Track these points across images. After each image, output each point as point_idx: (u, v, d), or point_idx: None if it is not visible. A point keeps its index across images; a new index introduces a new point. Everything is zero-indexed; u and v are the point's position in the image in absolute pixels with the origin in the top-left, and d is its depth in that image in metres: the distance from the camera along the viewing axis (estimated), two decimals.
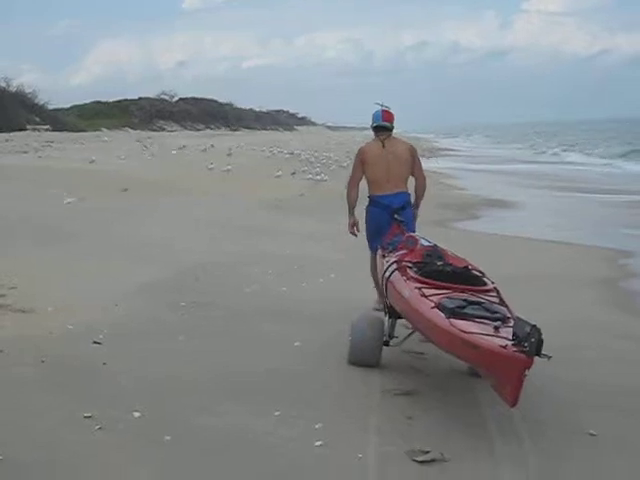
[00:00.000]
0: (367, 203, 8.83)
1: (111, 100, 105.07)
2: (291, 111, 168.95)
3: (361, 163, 8.68)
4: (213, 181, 26.77)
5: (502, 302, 6.24)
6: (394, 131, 8.96)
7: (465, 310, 5.80)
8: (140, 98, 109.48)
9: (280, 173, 30.08)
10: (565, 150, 64.60)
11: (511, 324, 5.47)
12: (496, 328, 5.47)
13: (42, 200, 19.12)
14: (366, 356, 7.00)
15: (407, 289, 6.49)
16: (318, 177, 29.85)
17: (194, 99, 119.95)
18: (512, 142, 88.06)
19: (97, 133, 72.68)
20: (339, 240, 14.15)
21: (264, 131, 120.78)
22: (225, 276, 11.61)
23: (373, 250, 8.68)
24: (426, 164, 41.91)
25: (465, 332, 5.43)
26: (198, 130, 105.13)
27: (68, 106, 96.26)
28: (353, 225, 8.96)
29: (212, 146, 46.54)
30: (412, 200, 8.85)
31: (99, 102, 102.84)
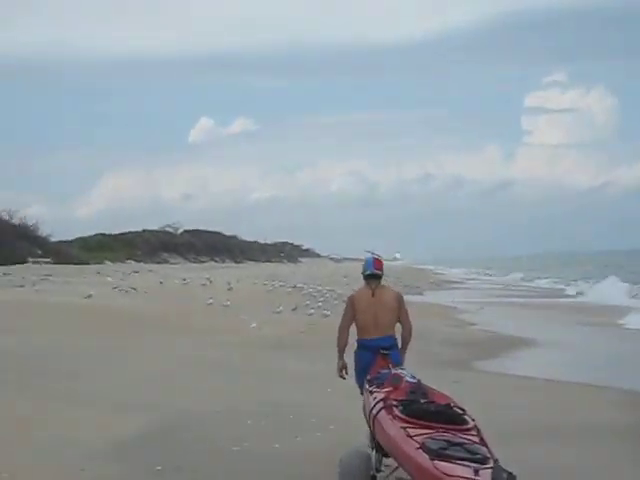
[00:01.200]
0: (355, 347, 9.13)
1: (115, 232, 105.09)
2: (295, 243, 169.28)
3: (352, 309, 9.12)
4: (211, 317, 25.81)
5: (482, 441, 6.47)
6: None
7: (447, 451, 6.02)
8: (144, 230, 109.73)
9: (281, 309, 29.06)
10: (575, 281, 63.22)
11: (490, 464, 5.84)
12: (476, 471, 5.66)
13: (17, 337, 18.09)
14: None
15: (393, 428, 6.74)
16: (320, 312, 28.87)
17: (198, 231, 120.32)
18: (512, 273, 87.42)
19: (100, 266, 71.97)
20: (340, 383, 13.10)
21: (268, 263, 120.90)
22: (212, 430, 10.46)
23: (364, 389, 8.58)
24: (434, 298, 41.39)
25: (448, 475, 5.66)
26: (202, 262, 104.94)
27: (72, 238, 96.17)
28: (342, 369, 9.26)
29: (210, 282, 45.47)
30: (399, 344, 9.16)
31: (103, 234, 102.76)
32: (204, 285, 42.36)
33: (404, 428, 6.58)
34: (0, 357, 15.46)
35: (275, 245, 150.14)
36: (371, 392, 7.83)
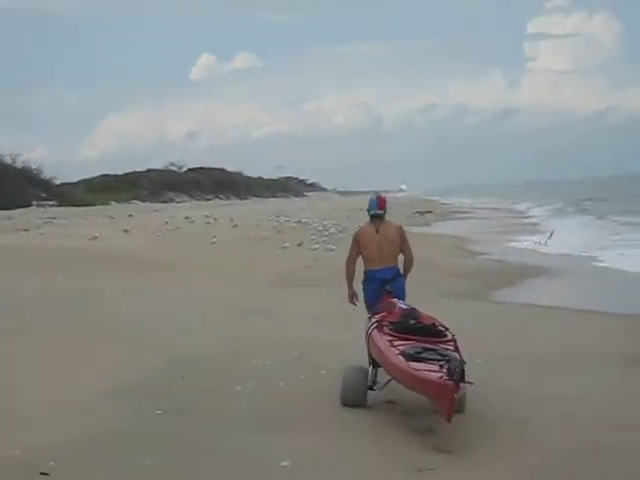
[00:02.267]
0: (363, 278, 9.95)
1: (120, 173, 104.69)
2: (301, 177, 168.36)
3: (357, 245, 9.92)
4: (215, 256, 25.55)
5: (456, 349, 8.09)
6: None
7: (422, 355, 7.71)
8: (149, 170, 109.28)
9: (287, 244, 28.87)
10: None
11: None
12: (441, 366, 7.27)
13: (24, 279, 17.96)
14: (354, 399, 8.62)
15: (381, 341, 8.34)
16: (325, 247, 28.71)
17: (203, 169, 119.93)
18: (524, 201, 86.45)
19: (103, 207, 71.81)
20: (345, 317, 13.03)
21: (273, 199, 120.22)
22: (216, 370, 10.30)
23: (369, 319, 9.52)
24: (443, 229, 40.88)
25: (417, 370, 7.39)
26: (207, 200, 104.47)
27: (76, 180, 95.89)
28: (352, 296, 10.09)
29: (215, 219, 45.44)
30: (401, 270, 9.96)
31: (107, 175, 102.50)
32: (208, 223, 42.22)
33: (390, 341, 8.19)
34: (7, 299, 15.36)
35: (280, 180, 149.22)
36: (369, 319, 9.24)
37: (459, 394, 7.02)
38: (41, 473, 6.37)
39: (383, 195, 10.27)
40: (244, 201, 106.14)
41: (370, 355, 8.91)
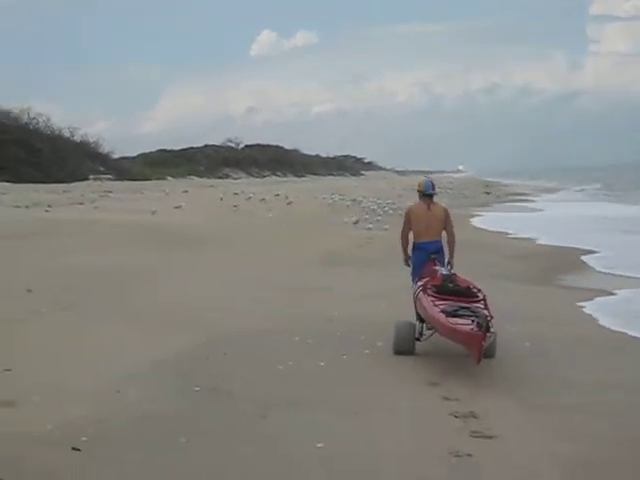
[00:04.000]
0: (411, 249, 11.53)
1: (177, 148, 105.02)
2: (358, 156, 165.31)
3: (409, 220, 11.50)
4: (269, 232, 25.65)
5: (486, 307, 9.78)
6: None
7: (458, 312, 9.53)
8: (206, 146, 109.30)
9: (341, 222, 28.71)
10: None
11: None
12: (472, 321, 9.04)
13: (78, 255, 18.03)
14: (405, 347, 10.20)
15: (425, 301, 10.14)
16: (379, 226, 28.49)
17: (260, 146, 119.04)
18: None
19: (160, 182, 72.05)
20: (395, 297, 13.13)
21: (330, 177, 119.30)
22: (258, 348, 10.20)
23: (415, 282, 11.12)
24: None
25: (453, 324, 9.22)
26: (264, 177, 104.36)
27: (134, 155, 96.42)
28: (407, 259, 11.62)
29: (277, 195, 45.54)
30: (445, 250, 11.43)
31: (165, 150, 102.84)
32: (263, 200, 42.17)
33: (433, 301, 10.00)
34: (59, 275, 15.41)
35: (337, 159, 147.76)
36: (415, 282, 10.95)
37: (486, 342, 8.76)
38: (73, 448, 6.29)
39: (433, 180, 12.10)
40: (301, 179, 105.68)
41: (417, 312, 10.60)
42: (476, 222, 33.87)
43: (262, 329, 11.34)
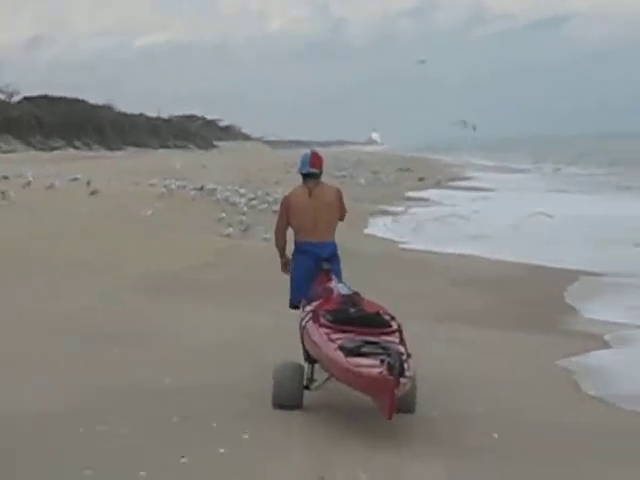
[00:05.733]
0: (293, 251, 8.88)
1: None
2: (209, 117, 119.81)
3: (286, 212, 8.82)
4: (62, 241, 17.61)
5: (401, 341, 7.62)
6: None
7: (362, 349, 7.32)
8: None
9: (177, 226, 20.74)
10: None
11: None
12: (382, 361, 6.92)
13: None
14: (288, 399, 7.92)
15: (317, 334, 7.78)
16: (241, 230, 21.14)
17: (48, 99, 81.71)
18: None
19: None
20: (267, 347, 9.77)
21: (164, 150, 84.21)
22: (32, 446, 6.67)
23: (293, 304, 8.81)
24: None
25: (355, 366, 7.10)
26: (53, 149, 71.17)
27: None
28: (286, 264, 9.06)
29: (73, 179, 30.74)
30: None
31: None
32: (51, 188, 27.79)
33: (327, 333, 7.66)
34: None
35: (174, 120, 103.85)
36: (303, 307, 8.44)
37: (400, 389, 6.86)
38: None
39: (319, 151, 9.31)
40: (115, 153, 74.81)
41: (305, 349, 8.28)
42: (407, 226, 26.05)
43: (36, 412, 7.61)
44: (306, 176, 8.88)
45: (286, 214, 8.88)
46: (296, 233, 8.91)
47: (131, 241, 18.12)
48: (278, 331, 10.22)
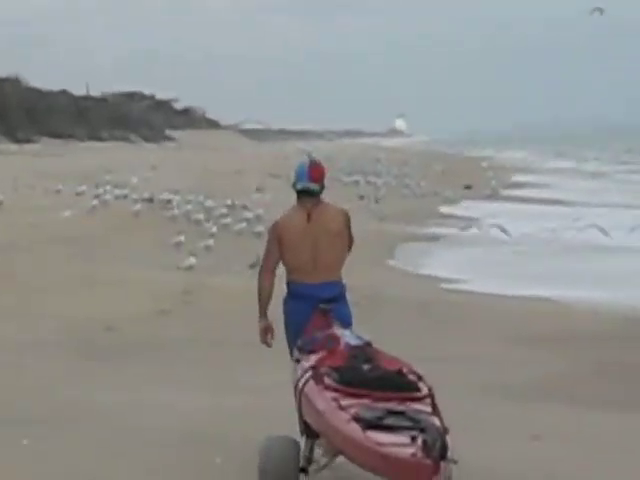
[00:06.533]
0: (286, 296, 7.11)
1: None
2: (159, 96, 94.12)
3: (277, 244, 7.01)
4: None
5: (435, 411, 5.86)
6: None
7: (385, 421, 5.60)
8: None
9: (114, 255, 16.36)
10: None
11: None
12: (413, 438, 5.35)
13: None
14: None
15: (322, 401, 5.95)
16: (208, 261, 16.13)
17: None
18: None
19: None
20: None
21: (94, 143, 66.49)
22: None
23: (297, 359, 7.06)
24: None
25: (379, 444, 5.39)
26: None
27: None
28: (266, 331, 7.03)
29: None
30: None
31: None
32: None
33: (335, 399, 5.86)
34: None
35: (110, 100, 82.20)
36: (298, 361, 6.61)
37: (439, 478, 5.12)
38: None
39: (319, 161, 7.46)
40: (24, 146, 58.10)
41: (303, 419, 6.43)
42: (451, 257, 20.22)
43: None
44: (302, 193, 7.10)
45: (277, 246, 7.00)
46: (289, 272, 7.13)
47: (48, 278, 13.78)
48: (257, 414, 7.67)
